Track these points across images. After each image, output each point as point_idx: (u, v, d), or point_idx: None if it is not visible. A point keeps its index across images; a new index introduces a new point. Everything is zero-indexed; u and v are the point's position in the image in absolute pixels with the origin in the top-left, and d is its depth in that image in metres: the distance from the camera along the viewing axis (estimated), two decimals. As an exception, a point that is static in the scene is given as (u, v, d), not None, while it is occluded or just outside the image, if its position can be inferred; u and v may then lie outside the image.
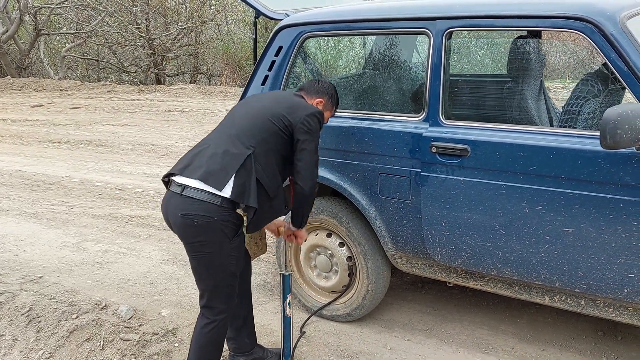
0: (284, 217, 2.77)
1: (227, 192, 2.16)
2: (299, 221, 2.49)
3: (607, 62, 2.10)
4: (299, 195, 2.39)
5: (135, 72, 16.24)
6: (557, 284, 2.35)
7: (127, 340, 2.95)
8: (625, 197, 2.08)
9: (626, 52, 2.04)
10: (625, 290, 2.18)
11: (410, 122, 2.55)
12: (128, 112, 9.51)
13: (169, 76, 16.33)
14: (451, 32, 2.43)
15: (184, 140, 7.36)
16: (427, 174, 2.49)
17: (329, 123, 2.73)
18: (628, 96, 2.18)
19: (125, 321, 3.15)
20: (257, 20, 3.19)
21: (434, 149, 2.45)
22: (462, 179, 2.41)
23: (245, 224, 2.29)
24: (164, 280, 3.68)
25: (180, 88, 11.67)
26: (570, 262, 2.26)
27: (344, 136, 2.72)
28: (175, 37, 15.52)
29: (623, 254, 2.13)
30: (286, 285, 2.66)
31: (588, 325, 2.91)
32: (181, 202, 2.19)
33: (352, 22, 2.71)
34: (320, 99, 2.54)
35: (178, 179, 2.24)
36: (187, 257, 2.33)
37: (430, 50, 2.46)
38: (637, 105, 1.93)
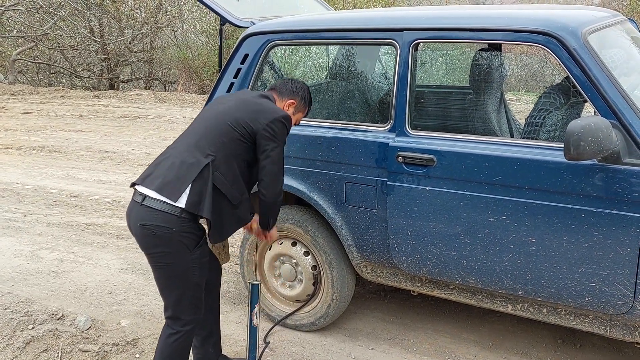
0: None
1: (182, 202, 2.12)
2: (265, 224, 2.45)
3: (570, 75, 2.16)
4: (263, 202, 2.35)
5: (89, 77, 15.80)
6: (520, 293, 2.39)
7: (86, 351, 2.84)
8: (587, 208, 2.14)
9: (588, 66, 2.11)
10: (587, 299, 2.24)
11: (376, 132, 2.56)
12: (82, 118, 9.23)
13: (122, 82, 15.96)
14: (418, 44, 2.46)
15: (141, 147, 7.19)
16: (393, 184, 2.50)
17: (295, 131, 2.71)
18: (589, 109, 2.25)
19: (83, 332, 3.04)
20: (222, 27, 3.15)
21: (400, 159, 2.46)
22: (428, 188, 2.43)
23: (207, 233, 2.25)
24: (122, 289, 3.56)
25: (136, 94, 11.42)
26: (533, 270, 2.31)
27: (310, 145, 2.71)
28: (129, 43, 15.20)
29: (584, 263, 2.19)
30: (254, 295, 2.62)
31: (548, 333, 2.98)
32: (141, 212, 2.15)
33: (319, 32, 2.70)
34: (292, 100, 2.48)
35: (139, 188, 2.20)
36: (147, 266, 2.27)
37: (397, 61, 2.49)
38: (599, 119, 1.99)
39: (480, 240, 2.37)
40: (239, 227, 2.40)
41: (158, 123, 8.77)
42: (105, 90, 13.87)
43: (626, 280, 2.13)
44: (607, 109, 2.09)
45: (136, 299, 3.45)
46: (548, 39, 2.18)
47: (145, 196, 2.15)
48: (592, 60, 2.12)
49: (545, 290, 2.32)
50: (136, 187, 2.22)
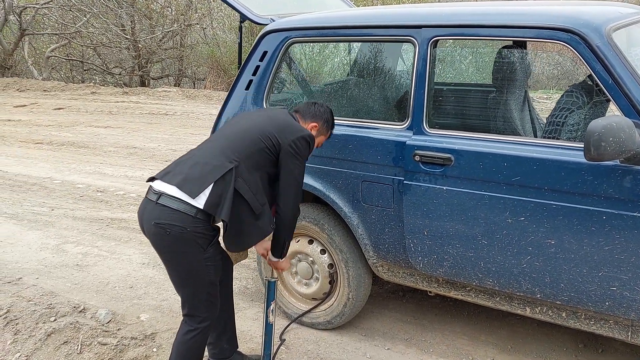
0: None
1: (200, 202, 2.13)
2: (279, 250, 2.45)
3: (592, 74, 2.10)
4: (279, 220, 2.36)
5: (120, 74, 16.08)
6: (538, 296, 2.34)
7: (105, 344, 2.89)
8: (608, 210, 2.07)
9: (611, 64, 2.05)
10: (607, 304, 2.18)
11: (394, 130, 2.53)
12: (111, 114, 9.40)
13: (153, 79, 16.19)
14: (436, 41, 2.42)
15: (167, 144, 7.28)
16: (410, 183, 2.47)
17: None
18: (612, 108, 2.18)
19: (103, 325, 3.09)
20: (242, 24, 3.16)
21: (417, 158, 2.43)
22: (445, 188, 2.39)
23: (223, 231, 2.25)
24: (143, 284, 3.61)
25: (165, 91, 11.57)
26: (552, 273, 2.25)
27: (327, 143, 2.69)
28: (160, 40, 15.40)
29: (605, 266, 2.13)
30: (271, 292, 2.63)
31: (569, 337, 2.91)
32: (156, 211, 2.16)
33: (338, 29, 2.69)
34: (315, 124, 2.50)
35: (156, 184, 2.21)
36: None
37: (416, 59, 2.45)
38: (621, 118, 1.93)
39: (498, 241, 2.33)
40: (259, 239, 2.36)
41: (185, 120, 8.87)
42: (136, 86, 14.08)
43: (648, 286, 2.06)
44: (630, 108, 2.02)
45: (156, 293, 3.49)
46: (571, 36, 2.12)
47: (161, 194, 2.16)
48: (616, 57, 2.05)
49: (564, 294, 2.26)
50: (155, 182, 2.23)
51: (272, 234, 2.42)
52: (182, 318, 2.33)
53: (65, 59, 15.92)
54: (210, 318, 2.31)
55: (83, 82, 15.07)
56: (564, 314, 2.38)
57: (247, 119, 2.43)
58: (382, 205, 2.58)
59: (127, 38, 14.80)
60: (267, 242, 2.53)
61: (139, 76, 15.59)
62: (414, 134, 2.46)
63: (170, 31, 15.14)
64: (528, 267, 2.29)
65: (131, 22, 14.82)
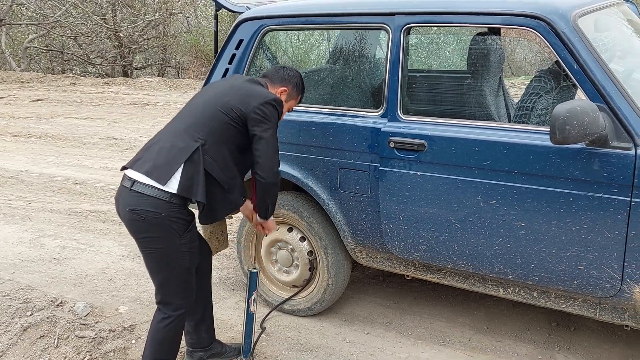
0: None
1: (172, 186, 2.14)
2: (263, 212, 2.45)
3: (559, 59, 2.14)
4: (260, 185, 2.33)
5: (101, 65, 15.90)
6: (510, 276, 2.39)
7: (83, 337, 2.90)
8: (575, 192, 2.13)
9: (577, 49, 2.09)
10: (575, 282, 2.24)
11: (369, 117, 2.56)
12: (92, 105, 9.32)
13: (136, 69, 16.04)
14: (410, 28, 2.45)
15: (149, 134, 7.24)
16: (385, 169, 2.51)
17: (289, 117, 2.72)
18: (579, 93, 2.23)
19: (81, 318, 3.09)
20: (217, 12, 3.16)
21: (392, 144, 2.47)
22: (419, 173, 2.43)
23: (197, 217, 2.27)
24: (123, 276, 3.62)
25: (147, 81, 11.49)
26: (523, 254, 2.31)
27: (304, 131, 2.72)
28: (142, 29, 15.25)
29: (573, 246, 2.19)
30: (252, 282, 2.66)
31: (542, 317, 2.98)
32: (130, 197, 2.17)
33: (313, 17, 2.70)
34: (284, 87, 2.47)
35: (129, 172, 2.23)
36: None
37: (389, 46, 2.48)
38: (585, 102, 1.98)
39: (471, 224, 2.38)
40: (231, 211, 2.42)
41: (167, 110, 8.82)
42: (118, 77, 13.95)
43: (614, 264, 2.12)
44: (595, 92, 2.07)
45: (136, 285, 3.50)
46: (537, 22, 2.16)
47: (134, 181, 2.17)
48: (582, 43, 2.09)
49: (535, 274, 2.32)
50: (126, 171, 2.25)
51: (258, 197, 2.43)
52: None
53: (45, 50, 15.70)
54: (185, 306, 2.32)
55: (63, 72, 14.88)
56: (535, 294, 2.44)
57: (208, 93, 2.39)
58: (359, 192, 2.62)
59: (108, 27, 14.63)
60: (250, 204, 2.55)
61: (121, 66, 15.43)
62: (388, 121, 2.50)
63: (152, 20, 14.98)
64: (500, 249, 2.35)
65: (112, 11, 14.64)
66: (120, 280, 3.57)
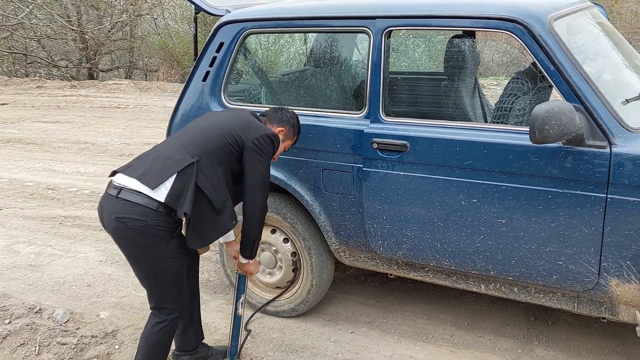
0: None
1: (161, 194, 2.14)
2: (248, 250, 2.46)
3: (536, 61, 2.22)
4: (247, 219, 2.37)
5: (67, 67, 15.58)
6: (492, 273, 2.46)
7: (65, 344, 2.86)
8: (553, 189, 2.21)
9: (553, 52, 2.17)
10: (555, 277, 2.32)
11: (352, 119, 2.60)
12: (60, 109, 9.14)
13: (102, 71, 15.76)
14: (390, 31, 2.49)
15: (120, 138, 7.15)
16: (368, 170, 2.55)
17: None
18: (555, 93, 2.31)
19: (61, 325, 3.05)
20: (197, 15, 3.16)
21: (375, 145, 2.51)
22: (402, 173, 2.48)
23: (185, 232, 2.26)
24: (101, 281, 3.58)
25: (115, 84, 11.32)
26: (504, 251, 2.38)
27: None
28: (108, 31, 14.99)
29: (552, 242, 2.26)
30: (241, 285, 2.67)
31: (521, 312, 3.07)
32: (116, 205, 2.16)
33: (294, 20, 2.73)
34: (282, 128, 2.53)
35: (117, 178, 2.22)
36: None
37: (371, 49, 2.52)
38: (563, 103, 2.05)
39: (453, 223, 2.44)
40: (220, 235, 2.37)
41: (138, 113, 8.72)
42: (84, 80, 13.69)
43: (591, 258, 2.21)
44: (571, 93, 2.15)
45: (115, 290, 3.47)
46: (515, 25, 2.23)
47: (121, 189, 2.16)
48: (557, 46, 2.17)
49: (515, 270, 2.39)
50: (116, 176, 2.24)
51: (241, 235, 2.45)
52: (144, 313, 2.34)
53: (8, 52, 15.30)
54: (179, 309, 2.33)
55: (27, 75, 14.52)
56: (516, 289, 2.51)
57: (211, 118, 2.45)
58: (343, 192, 2.65)
59: (73, 29, 14.34)
60: (237, 244, 2.55)
61: (87, 69, 15.15)
62: (371, 122, 2.54)
63: (119, 22, 14.76)
64: (482, 246, 2.41)
65: (77, 12, 14.36)
66: (100, 285, 3.52)
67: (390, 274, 2.85)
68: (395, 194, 2.51)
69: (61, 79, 13.67)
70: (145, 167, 2.20)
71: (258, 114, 2.56)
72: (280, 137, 2.53)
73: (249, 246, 2.46)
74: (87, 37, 14.50)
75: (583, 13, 2.59)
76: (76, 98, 9.96)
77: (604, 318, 2.37)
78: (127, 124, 7.95)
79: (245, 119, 2.42)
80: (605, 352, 2.71)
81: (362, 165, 2.57)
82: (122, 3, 14.94)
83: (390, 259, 2.74)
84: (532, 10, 2.23)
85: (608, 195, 2.11)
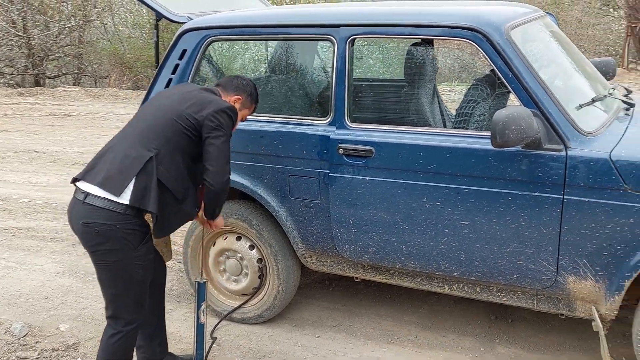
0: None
1: (125, 197, 2.11)
2: (210, 214, 2.44)
3: (495, 68, 2.32)
4: (209, 191, 2.30)
5: (12, 74, 15.02)
6: (455, 273, 2.54)
7: (25, 358, 2.78)
8: (513, 191, 2.30)
9: (511, 59, 2.27)
10: (515, 276, 2.41)
11: (317, 125, 2.63)
12: (7, 117, 8.81)
13: (49, 78, 15.27)
14: (354, 39, 2.55)
15: (73, 146, 6.97)
16: (335, 175, 2.59)
17: (238, 127, 2.73)
18: (512, 99, 2.41)
19: (19, 339, 2.96)
20: (158, 23, 3.13)
21: (341, 151, 2.55)
22: (367, 178, 2.53)
23: (152, 230, 2.25)
24: (60, 294, 3.48)
25: (66, 91, 11.00)
26: (467, 252, 2.45)
27: (253, 139, 2.75)
28: (56, 37, 14.56)
29: (512, 242, 2.36)
30: (201, 293, 2.64)
31: (482, 311, 3.16)
32: (83, 210, 2.13)
33: (258, 27, 2.75)
34: (238, 96, 2.47)
35: (81, 184, 2.18)
36: (85, 269, 2.24)
37: (335, 56, 2.57)
38: (521, 108, 2.15)
39: (418, 225, 2.50)
40: (184, 223, 2.41)
41: (90, 121, 8.51)
42: (30, 87, 13.24)
43: (549, 257, 2.31)
44: (528, 99, 2.25)
45: (75, 302, 3.38)
46: (474, 34, 2.32)
47: (87, 194, 2.13)
48: (515, 53, 2.27)
49: (478, 270, 2.47)
50: (78, 183, 2.19)
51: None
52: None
53: (-52, 59, 14.64)
54: (137, 321, 2.28)
55: (-30, 83, 13.94)
56: (478, 289, 2.59)
57: (161, 101, 2.36)
58: (310, 198, 2.68)
59: (19, 35, 13.86)
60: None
61: (33, 75, 14.66)
62: (337, 129, 2.58)
63: (67, 27, 14.35)
64: (445, 248, 2.49)
65: (23, 18, 13.89)
66: (58, 298, 3.43)
67: (356, 278, 2.89)
68: (361, 199, 2.56)
69: (6, 87, 13.17)
70: (104, 170, 2.16)
71: (212, 84, 2.51)
72: (237, 105, 2.46)
73: (210, 213, 2.43)
74: (33, 43, 14.03)
75: (537, 22, 2.71)
76: (24, 106, 9.63)
77: (561, 314, 2.48)
78: (79, 132, 7.75)
79: (194, 96, 2.33)
80: (563, 347, 2.83)
81: (328, 171, 2.60)
82: (70, 8, 14.55)
83: (357, 263, 2.78)
84: (490, 19, 2.32)
85: (564, 197, 2.22)
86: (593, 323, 2.34)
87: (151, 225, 2.27)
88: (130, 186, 2.12)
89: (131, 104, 9.84)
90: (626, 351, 2.70)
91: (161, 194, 2.19)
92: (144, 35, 12.95)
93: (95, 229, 2.10)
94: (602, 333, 2.29)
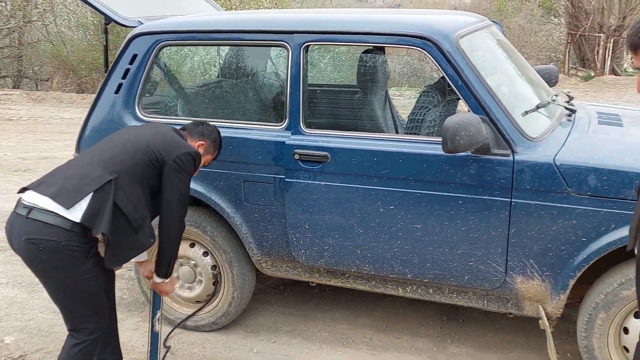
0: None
1: (76, 214, 2.05)
2: (164, 270, 2.39)
3: (445, 75, 2.39)
4: (163, 237, 2.29)
5: (-54, 76, 14.32)
6: (409, 276, 2.59)
7: (-33, 374, 2.65)
8: (463, 195, 2.37)
9: (460, 67, 2.34)
10: (466, 277, 2.49)
11: (272, 131, 2.64)
12: (-58, 121, 8.39)
13: (-14, 80, 14.64)
14: (308, 46, 2.57)
15: (14, 152, 6.69)
16: (290, 180, 2.60)
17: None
18: (462, 105, 2.49)
19: (-39, 355, 2.82)
20: (107, 26, 3.06)
21: (296, 156, 2.57)
22: (323, 183, 2.55)
23: (104, 254, 2.18)
24: (4, 305, 3.34)
25: (5, 94, 10.55)
26: (420, 255, 2.51)
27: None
28: (-6, 38, 13.98)
29: (463, 245, 2.43)
30: (156, 301, 2.60)
31: (434, 312, 3.24)
32: (26, 225, 2.04)
33: (211, 33, 2.73)
34: (202, 142, 2.49)
35: (28, 196, 2.09)
36: (30, 279, 2.17)
37: (289, 63, 2.58)
38: (471, 114, 2.22)
39: (372, 229, 2.54)
40: (138, 253, 2.31)
41: (33, 125, 8.21)
42: (-34, 90, 12.64)
43: (498, 258, 2.39)
44: (477, 105, 2.33)
45: (20, 314, 3.25)
46: (425, 42, 2.38)
47: (31, 208, 2.04)
48: (464, 61, 2.35)
49: (430, 272, 2.53)
50: (26, 192, 2.11)
51: (156, 254, 2.38)
52: (53, 336, 2.23)
53: None
54: (99, 329, 2.23)
55: None
56: (431, 290, 2.66)
57: (130, 133, 2.37)
58: (265, 203, 2.68)
59: (-47, 36, 13.22)
60: (150, 264, 2.49)
61: (-32, 78, 14.02)
62: (292, 134, 2.59)
63: (6, 28, 13.79)
64: (399, 251, 2.54)
65: (-42, 18, 13.27)
66: (2, 309, 3.29)
67: (312, 282, 2.91)
68: (317, 204, 2.58)
69: (-60, 89, 12.52)
70: (59, 184, 2.09)
71: (178, 128, 2.52)
72: (201, 151, 2.49)
73: (165, 265, 2.38)
74: (-31, 43, 13.42)
75: (484, 31, 2.81)
76: (-40, 110, 9.19)
77: (510, 313, 2.57)
78: (22, 137, 7.46)
79: (165, 135, 2.36)
80: (512, 345, 2.93)
81: (284, 176, 2.61)
82: (9, 9, 13.99)
83: (313, 267, 2.80)
84: (440, 28, 2.40)
85: (512, 200, 2.30)
86: (540, 321, 2.44)
87: (101, 247, 2.18)
88: (84, 203, 2.05)
89: (75, 107, 9.56)
90: (572, 348, 2.83)
91: (116, 218, 2.12)
92: (87, 36, 12.60)
93: (40, 246, 2.01)
94: (548, 331, 2.39)
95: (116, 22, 2.92)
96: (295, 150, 2.56)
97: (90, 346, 2.20)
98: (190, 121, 2.59)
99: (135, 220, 2.18)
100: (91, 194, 2.07)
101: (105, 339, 2.48)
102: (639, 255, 1.55)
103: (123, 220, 2.15)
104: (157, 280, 2.43)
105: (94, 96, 2.93)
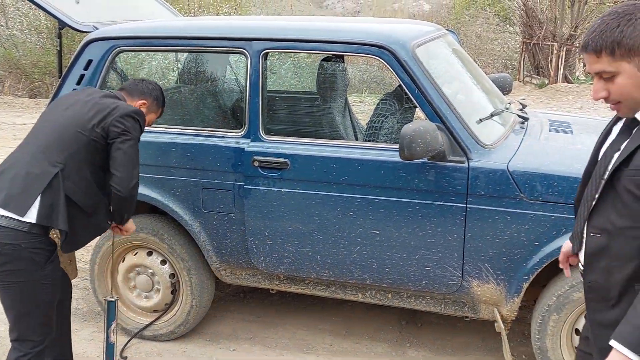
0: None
1: (32, 216, 2.01)
2: (119, 220, 2.34)
3: (402, 84, 2.43)
4: (116, 197, 2.20)
5: None
6: (368, 281, 2.62)
7: None
8: (420, 201, 2.42)
9: (416, 75, 2.39)
10: (424, 282, 2.53)
11: (232, 138, 2.63)
12: None
13: None
14: (267, 53, 2.57)
15: (-37, 158, 6.44)
16: (250, 187, 2.59)
17: (147, 138, 2.66)
18: (419, 113, 2.54)
19: None
20: (61, 31, 2.99)
21: (256, 163, 2.56)
22: (283, 190, 2.56)
23: (59, 246, 2.15)
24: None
25: (-47, 98, 10.17)
26: (378, 260, 2.54)
27: (164, 151, 2.70)
28: (-58, 40, 13.44)
29: (420, 250, 2.47)
30: (111, 312, 2.55)
31: (393, 317, 3.27)
32: None
33: (169, 39, 2.70)
34: (143, 101, 2.39)
35: None
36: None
37: (248, 70, 2.58)
38: (427, 122, 2.27)
39: (331, 235, 2.56)
40: (96, 236, 2.32)
41: (-18, 130, 7.92)
42: None
43: (455, 263, 2.44)
44: (433, 113, 2.38)
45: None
46: (382, 51, 2.42)
47: None
48: (420, 70, 2.40)
49: (389, 277, 2.56)
50: None
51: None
52: (5, 348, 2.16)
53: None
54: (45, 342, 2.18)
55: None
56: (390, 295, 2.69)
57: (61, 110, 2.23)
58: (224, 211, 2.66)
59: None
60: None
61: None
62: (251, 141, 2.59)
63: (-46, 30, 13.28)
64: (358, 256, 2.56)
65: None
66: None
67: (272, 289, 2.90)
68: (276, 210, 2.58)
69: None
70: (5, 189, 2.04)
71: (116, 90, 2.42)
72: (143, 109, 2.37)
73: (120, 217, 2.32)
74: None
75: (440, 40, 2.87)
76: None
77: (467, 317, 2.62)
78: (-29, 143, 7.19)
79: (98, 103, 2.21)
80: (469, 347, 2.99)
81: (243, 183, 2.60)
82: (-42, 10, 13.50)
83: (272, 274, 2.80)
84: (397, 37, 2.44)
85: (467, 205, 2.36)
86: (495, 324, 2.50)
87: (58, 242, 2.16)
88: (36, 204, 2.02)
89: (28, 112, 9.27)
90: (526, 349, 2.91)
91: (69, 209, 2.10)
92: (40, 40, 12.26)
93: None
94: (503, 333, 2.45)
95: (70, 27, 2.86)
96: (255, 157, 2.56)
97: (34, 359, 2.13)
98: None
99: (88, 206, 2.17)
100: (40, 194, 2.03)
101: (60, 350, 2.43)
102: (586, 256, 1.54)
103: (76, 208, 2.13)
104: (115, 222, 2.38)
105: (47, 101, 2.86)
